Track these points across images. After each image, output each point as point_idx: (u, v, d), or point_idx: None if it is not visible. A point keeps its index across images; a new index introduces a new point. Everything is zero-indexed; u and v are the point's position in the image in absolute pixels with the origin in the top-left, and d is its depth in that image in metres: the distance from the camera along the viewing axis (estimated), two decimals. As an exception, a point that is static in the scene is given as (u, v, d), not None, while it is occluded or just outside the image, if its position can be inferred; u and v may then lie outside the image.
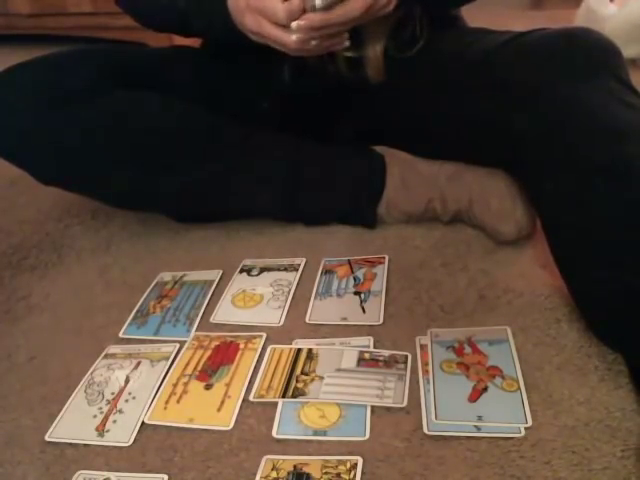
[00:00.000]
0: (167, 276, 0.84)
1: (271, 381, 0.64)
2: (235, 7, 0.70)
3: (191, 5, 0.78)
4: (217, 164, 0.84)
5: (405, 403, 0.59)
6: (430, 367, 0.63)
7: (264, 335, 0.71)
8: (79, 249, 0.92)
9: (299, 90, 0.89)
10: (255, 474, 0.54)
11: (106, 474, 0.56)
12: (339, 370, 0.64)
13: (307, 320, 0.73)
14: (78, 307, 0.80)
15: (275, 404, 0.61)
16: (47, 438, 0.60)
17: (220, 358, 0.68)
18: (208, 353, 0.69)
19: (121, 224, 0.97)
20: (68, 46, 0.86)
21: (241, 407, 0.61)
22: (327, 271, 0.81)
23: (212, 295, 0.79)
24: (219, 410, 0.61)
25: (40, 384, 0.68)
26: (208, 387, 0.64)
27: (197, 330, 0.73)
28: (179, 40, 1.00)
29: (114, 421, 0.61)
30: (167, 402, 0.63)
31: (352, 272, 0.80)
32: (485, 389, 0.60)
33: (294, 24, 0.62)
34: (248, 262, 0.85)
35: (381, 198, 0.86)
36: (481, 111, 0.75)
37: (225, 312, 0.76)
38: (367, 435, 0.57)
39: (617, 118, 0.62)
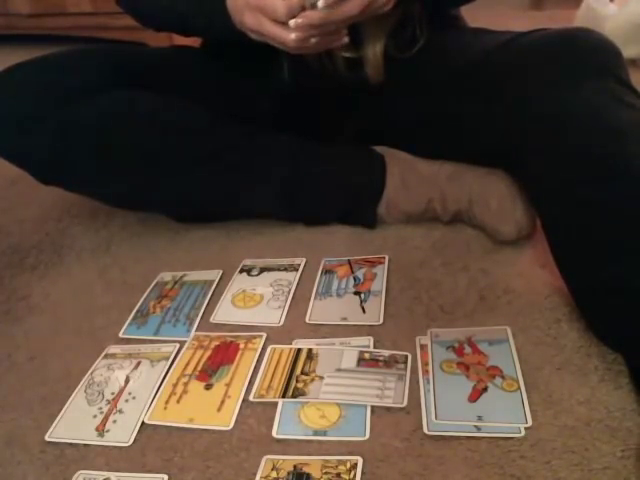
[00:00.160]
0: (167, 276, 0.84)
1: (271, 381, 0.64)
2: (234, 6, 0.70)
3: (191, 5, 0.78)
4: (217, 164, 0.84)
5: (405, 403, 0.59)
6: (430, 367, 0.63)
7: (264, 335, 0.71)
8: (79, 249, 0.92)
9: (299, 90, 0.89)
10: (255, 474, 0.54)
11: (106, 474, 0.56)
12: (339, 370, 0.64)
13: (307, 320, 0.73)
14: (78, 307, 0.80)
15: (275, 404, 0.61)
16: (47, 438, 0.60)
17: (220, 358, 0.68)
18: (208, 353, 0.69)
19: (121, 224, 0.97)
20: (68, 46, 0.86)
21: (241, 407, 0.61)
22: (327, 271, 0.81)
23: (212, 295, 0.79)
24: (219, 410, 0.61)
25: (40, 384, 0.68)
26: (208, 387, 0.64)
27: (197, 330, 0.73)
28: (179, 40, 1.00)
29: (114, 421, 0.61)
30: (167, 402, 0.63)
31: (352, 272, 0.80)
32: (485, 389, 0.60)
33: (293, 22, 0.62)
34: (248, 262, 0.85)
35: (381, 198, 0.86)
36: (481, 111, 0.75)
37: (225, 312, 0.76)
38: (367, 435, 0.57)
39: (617, 118, 0.62)
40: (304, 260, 0.84)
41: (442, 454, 0.55)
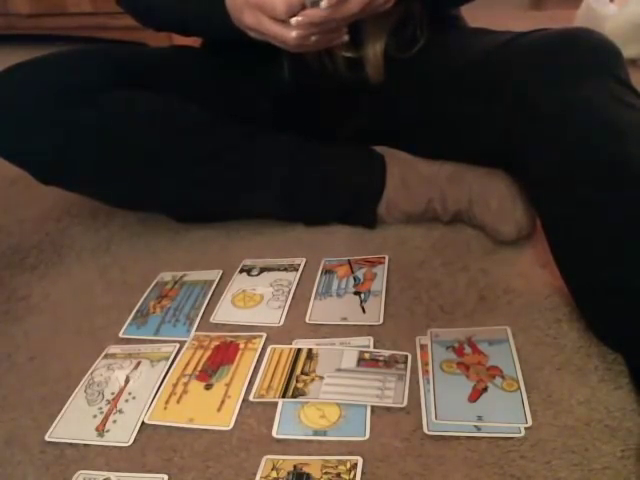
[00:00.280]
0: (167, 276, 0.84)
1: (271, 381, 0.64)
2: (233, 5, 0.70)
3: (190, 4, 0.78)
4: (217, 164, 0.84)
5: (405, 403, 0.59)
6: (430, 367, 0.63)
7: (264, 335, 0.71)
8: (79, 249, 0.92)
9: (299, 90, 0.89)
10: (255, 474, 0.54)
11: (106, 474, 0.56)
12: (339, 370, 0.64)
13: (307, 320, 0.73)
14: (78, 307, 0.80)
15: (275, 404, 0.61)
16: (47, 438, 0.60)
17: (220, 358, 0.68)
18: (208, 353, 0.69)
19: (121, 224, 0.97)
20: (68, 46, 0.86)
21: (241, 407, 0.61)
22: (327, 271, 0.81)
23: (212, 295, 0.79)
24: (219, 410, 0.61)
25: (40, 384, 0.68)
26: (208, 387, 0.64)
27: (197, 330, 0.73)
28: (179, 40, 1.00)
29: (114, 421, 0.61)
30: (167, 402, 0.63)
31: (352, 272, 0.80)
32: (485, 389, 0.60)
33: (294, 20, 0.62)
34: (248, 262, 0.85)
35: (381, 198, 0.86)
36: (481, 111, 0.75)
37: (225, 312, 0.76)
38: (367, 435, 0.57)
39: (617, 118, 0.62)
40: (304, 260, 0.84)
41: (442, 454, 0.55)
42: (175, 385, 0.65)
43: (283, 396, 0.62)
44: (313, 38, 0.65)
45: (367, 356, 0.65)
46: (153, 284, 0.82)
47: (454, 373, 0.62)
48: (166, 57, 0.93)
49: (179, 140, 0.82)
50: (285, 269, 0.82)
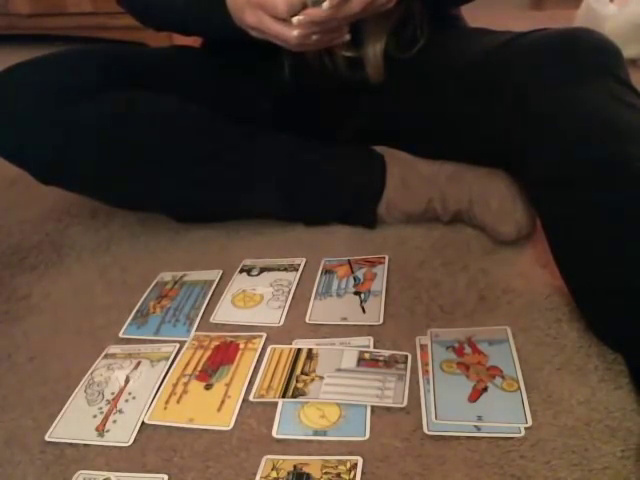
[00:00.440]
0: (167, 276, 0.84)
1: (271, 381, 0.64)
2: (234, 4, 0.70)
3: (191, 3, 0.78)
4: (217, 164, 0.84)
5: (405, 403, 0.59)
6: (430, 367, 0.63)
7: (264, 335, 0.71)
8: (79, 249, 0.92)
9: (299, 90, 0.89)
10: (255, 474, 0.54)
11: (106, 474, 0.56)
12: (339, 370, 0.64)
13: (307, 320, 0.73)
14: (78, 307, 0.80)
15: (275, 404, 0.61)
16: (47, 438, 0.60)
17: (220, 358, 0.68)
18: (208, 353, 0.69)
19: (121, 224, 0.97)
20: (68, 46, 0.86)
21: (241, 407, 0.61)
22: (327, 271, 0.81)
23: (212, 295, 0.79)
24: (219, 410, 0.61)
25: (40, 384, 0.68)
26: (208, 387, 0.64)
27: (197, 330, 0.73)
28: (179, 40, 1.00)
29: (114, 421, 0.61)
30: (167, 402, 0.63)
31: (352, 272, 0.80)
32: (485, 389, 0.60)
33: (295, 19, 0.62)
34: (248, 262, 0.85)
35: (381, 198, 0.86)
36: (481, 111, 0.75)
37: (225, 312, 0.76)
38: (367, 435, 0.57)
39: (617, 118, 0.62)
40: (304, 260, 0.84)
41: (442, 454, 0.55)
42: (175, 385, 0.65)
43: (283, 396, 0.62)
44: (314, 37, 0.65)
45: (367, 356, 0.65)
46: (153, 284, 0.82)
47: (454, 373, 0.62)
48: (166, 57, 0.93)
49: (179, 140, 0.82)
50: (285, 269, 0.82)
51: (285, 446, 0.57)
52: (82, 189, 0.89)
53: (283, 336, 0.71)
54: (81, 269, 0.88)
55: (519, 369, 0.62)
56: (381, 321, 0.71)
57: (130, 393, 0.64)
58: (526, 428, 0.56)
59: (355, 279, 0.79)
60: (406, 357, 0.65)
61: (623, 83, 0.66)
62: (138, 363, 0.68)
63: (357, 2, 0.62)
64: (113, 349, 0.71)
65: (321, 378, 0.63)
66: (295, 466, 0.54)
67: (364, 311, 0.73)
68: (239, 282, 0.81)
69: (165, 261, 0.87)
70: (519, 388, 0.59)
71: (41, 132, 0.77)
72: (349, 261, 0.82)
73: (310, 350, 0.67)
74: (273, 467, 0.54)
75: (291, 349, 0.68)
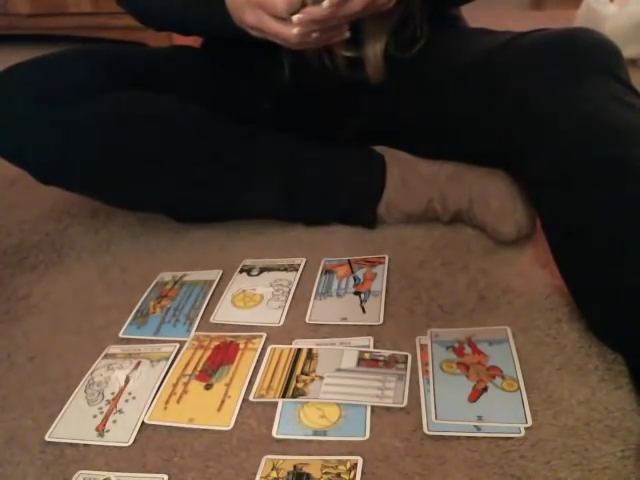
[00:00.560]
0: (167, 276, 0.84)
1: (271, 381, 0.64)
2: (233, 3, 0.70)
3: (190, 3, 0.78)
4: (217, 164, 0.84)
5: (405, 403, 0.59)
6: (430, 367, 0.63)
7: (264, 335, 0.71)
8: (79, 249, 0.92)
9: (299, 90, 0.89)
10: (255, 474, 0.54)
11: (106, 474, 0.56)
12: (339, 370, 0.64)
13: (307, 320, 0.73)
14: (78, 307, 0.80)
15: (275, 404, 0.61)
16: (47, 438, 0.60)
17: (220, 358, 0.68)
18: (208, 353, 0.69)
19: (121, 224, 0.97)
20: (68, 46, 0.86)
21: (241, 407, 0.61)
22: (327, 271, 0.81)
23: (212, 295, 0.79)
24: (219, 410, 0.61)
25: (40, 384, 0.68)
26: (208, 387, 0.64)
27: (197, 330, 0.73)
28: (179, 40, 1.00)
29: (114, 421, 0.61)
30: (167, 402, 0.63)
31: (352, 272, 0.80)
32: (485, 389, 0.60)
33: (295, 18, 0.62)
34: (248, 262, 0.85)
35: (381, 198, 0.86)
36: (481, 111, 0.75)
37: (225, 312, 0.76)
38: (367, 435, 0.57)
39: (617, 118, 0.62)
40: (304, 260, 0.84)
41: (442, 454, 0.55)
42: (175, 385, 0.65)
43: (283, 396, 0.62)
44: (314, 35, 0.65)
45: (367, 356, 0.65)
46: (153, 284, 0.82)
47: (454, 373, 0.62)
48: (166, 57, 0.93)
49: (179, 140, 0.82)
50: (285, 269, 0.82)
51: (285, 446, 0.57)
52: (82, 189, 0.89)
53: (283, 336, 0.71)
54: (81, 269, 0.88)
55: (519, 369, 0.62)
56: (381, 321, 0.71)
57: (130, 393, 0.64)
58: (526, 428, 0.56)
59: (355, 279, 0.79)
60: (406, 357, 0.65)
61: (623, 83, 0.66)
62: (138, 363, 0.68)
63: (357, 1, 0.62)
64: (113, 349, 0.71)
65: (321, 378, 0.63)
66: (295, 466, 0.54)
67: (364, 311, 0.73)
68: (239, 282, 0.81)
69: (165, 261, 0.87)
70: (519, 388, 0.59)
71: (41, 132, 0.77)
72: (349, 261, 0.82)
73: (310, 350, 0.67)
74: (273, 467, 0.54)
75: (291, 349, 0.68)
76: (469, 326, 0.69)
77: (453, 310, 0.72)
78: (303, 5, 0.62)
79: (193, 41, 1.00)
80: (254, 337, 0.71)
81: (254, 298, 0.78)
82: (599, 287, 0.62)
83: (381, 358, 0.65)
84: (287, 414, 0.60)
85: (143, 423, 0.61)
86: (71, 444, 0.60)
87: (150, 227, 0.95)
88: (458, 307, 0.72)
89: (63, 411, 0.63)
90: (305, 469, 0.54)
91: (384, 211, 0.87)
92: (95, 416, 0.62)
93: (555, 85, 0.66)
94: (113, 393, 0.65)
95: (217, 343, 0.70)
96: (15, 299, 0.83)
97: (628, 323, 0.59)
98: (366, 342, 0.68)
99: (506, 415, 0.57)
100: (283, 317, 0.74)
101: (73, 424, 0.62)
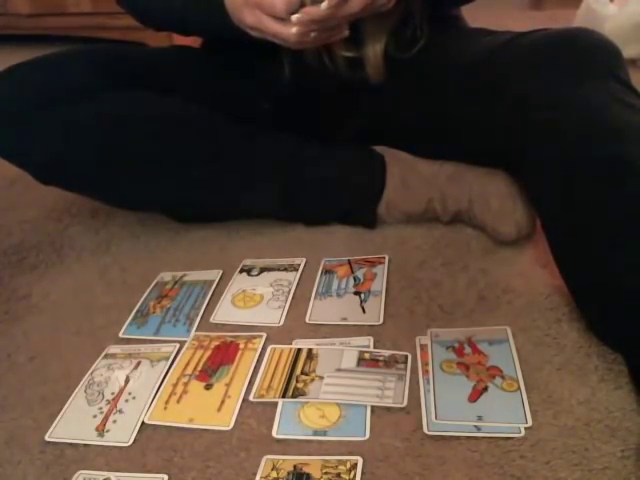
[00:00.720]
0: (167, 276, 0.84)
1: (271, 381, 0.64)
2: (232, 4, 0.70)
3: (189, 4, 0.78)
4: (217, 164, 0.84)
5: (405, 403, 0.59)
6: (430, 367, 0.63)
7: (264, 335, 0.71)
8: (79, 249, 0.92)
9: (299, 90, 0.89)
10: (255, 474, 0.54)
11: (106, 474, 0.56)
12: (339, 370, 0.64)
13: (307, 320, 0.73)
14: (78, 307, 0.80)
15: (275, 404, 0.61)
16: (47, 438, 0.60)
17: (220, 358, 0.68)
18: (208, 353, 0.69)
19: (121, 224, 0.97)
20: (68, 46, 0.86)
21: (241, 407, 0.61)
22: (327, 271, 0.81)
23: (212, 295, 0.79)
24: (219, 410, 0.61)
25: (40, 384, 0.68)
26: (208, 387, 0.64)
27: (197, 330, 0.73)
28: (179, 40, 1.00)
29: (114, 421, 0.61)
30: (167, 402, 0.63)
31: (352, 272, 0.80)
32: (485, 389, 0.60)
33: (294, 17, 0.62)
34: (248, 262, 0.85)
35: (381, 198, 0.86)
36: (481, 111, 0.75)
37: (225, 312, 0.76)
38: (367, 435, 0.57)
39: (617, 118, 0.62)
40: (304, 260, 0.84)
41: (442, 454, 0.55)
42: (175, 385, 0.65)
43: (283, 396, 0.62)
44: (313, 34, 0.65)
45: (367, 356, 0.65)
46: (153, 284, 0.82)
47: (454, 373, 0.62)
48: (166, 57, 0.93)
49: (179, 140, 0.82)
50: (285, 269, 0.82)
51: (285, 446, 0.57)
52: (82, 189, 0.89)
53: (283, 336, 0.71)
54: (81, 269, 0.88)
55: (519, 369, 0.62)
56: (381, 321, 0.71)
57: (130, 393, 0.64)
58: (526, 428, 0.56)
59: (355, 279, 0.79)
60: (406, 357, 0.65)
61: (623, 83, 0.66)
62: (138, 363, 0.68)
63: (356, 2, 0.62)
64: (113, 349, 0.71)
65: (321, 378, 0.63)
66: (295, 466, 0.54)
67: (364, 311, 0.73)
68: (239, 282, 0.81)
69: (165, 261, 0.87)
70: (519, 388, 0.59)
71: (41, 132, 0.77)
72: (349, 261, 0.82)
73: (310, 350, 0.67)
74: (273, 467, 0.54)
75: (291, 349, 0.68)
76: (469, 326, 0.69)
77: (453, 310, 0.72)
78: (302, 5, 0.62)
79: (193, 41, 1.00)
80: (254, 337, 0.71)
81: (254, 298, 0.78)
82: (599, 287, 0.62)
83: (381, 358, 0.65)
84: (287, 414, 0.60)
85: (143, 423, 0.61)
86: (71, 444, 0.60)
87: (150, 227, 0.95)
88: (458, 307, 0.72)
89: (63, 411, 0.63)
90: (305, 469, 0.54)
91: (384, 211, 0.87)
92: (95, 416, 0.62)
93: (555, 85, 0.66)
94: (113, 393, 0.65)
95: (217, 343, 0.70)
96: (15, 299, 0.83)
97: (628, 323, 0.59)
98: (366, 342, 0.68)
99: (506, 415, 0.57)
100: (283, 317, 0.74)
101: (73, 424, 0.62)
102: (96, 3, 1.85)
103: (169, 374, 0.66)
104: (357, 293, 0.76)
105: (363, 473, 0.53)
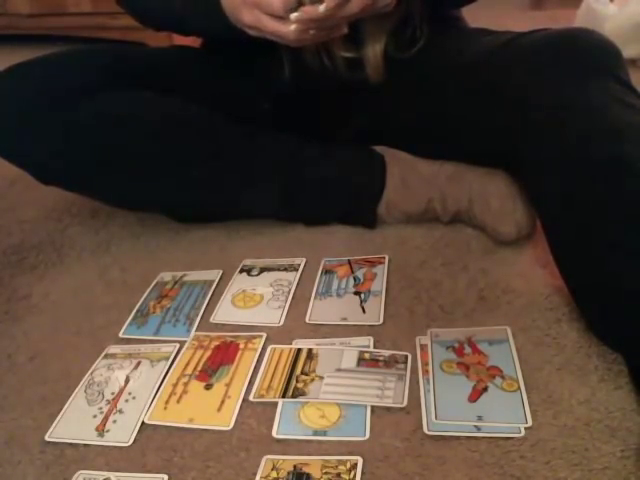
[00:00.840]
0: (167, 276, 0.84)
1: (271, 381, 0.64)
2: (230, 3, 0.70)
3: (188, 4, 0.78)
4: (217, 164, 0.84)
5: (405, 403, 0.59)
6: (430, 367, 0.63)
7: (264, 335, 0.71)
8: (79, 249, 0.92)
9: (299, 90, 0.89)
10: (255, 474, 0.54)
11: (106, 474, 0.56)
12: (339, 370, 0.64)
13: (307, 320, 0.73)
14: (78, 307, 0.80)
15: (275, 404, 0.61)
16: (47, 438, 0.60)
17: (220, 358, 0.68)
18: (208, 353, 0.69)
19: (121, 224, 0.97)
20: (68, 46, 0.86)
21: (241, 407, 0.61)
22: (327, 271, 0.81)
23: (212, 295, 0.79)
24: (219, 410, 0.61)
25: (40, 384, 0.68)
26: (208, 387, 0.64)
27: (197, 330, 0.73)
28: (179, 40, 1.00)
29: (114, 421, 0.61)
30: (167, 402, 0.63)
31: (352, 272, 0.80)
32: (485, 389, 0.60)
33: (293, 16, 0.62)
34: (248, 262, 0.85)
35: (381, 198, 0.86)
36: (481, 111, 0.75)
37: (225, 312, 0.76)
38: (367, 435, 0.57)
39: (617, 118, 0.62)
40: (304, 260, 0.84)
41: (442, 454, 0.55)
42: (175, 385, 0.65)
43: (283, 396, 0.62)
44: (312, 32, 0.65)
45: (367, 356, 0.65)
46: (153, 284, 0.82)
47: (454, 373, 0.62)
48: (166, 57, 0.93)
49: (179, 140, 0.82)
50: (285, 269, 0.82)
51: (285, 446, 0.57)
52: (82, 189, 0.89)
53: (283, 336, 0.71)
54: (81, 269, 0.88)
55: (519, 369, 0.62)
56: (381, 321, 0.71)
57: (130, 393, 0.64)
58: (526, 428, 0.56)
59: (355, 279, 0.79)
60: (406, 357, 0.65)
61: (623, 83, 0.66)
62: (138, 363, 0.68)
63: (356, 3, 0.62)
64: (113, 349, 0.71)
65: (321, 378, 0.63)
66: (295, 466, 0.54)
67: (364, 311, 0.73)
68: (239, 282, 0.81)
69: (165, 261, 0.87)
70: (519, 388, 0.59)
71: (41, 132, 0.77)
72: (349, 261, 0.82)
73: (310, 350, 0.67)
74: (273, 467, 0.54)
75: (291, 349, 0.68)
76: (469, 326, 0.69)
77: (453, 310, 0.72)
78: (300, 3, 0.62)
79: (193, 41, 1.00)
80: (254, 337, 0.71)
81: (254, 298, 0.78)
82: (599, 287, 0.62)
83: (381, 358, 0.65)
84: (287, 414, 0.60)
85: (143, 423, 0.61)
86: (71, 444, 0.60)
87: (150, 227, 0.95)
88: (458, 307, 0.72)
89: (63, 411, 0.63)
90: (305, 469, 0.54)
91: (384, 211, 0.87)
92: (95, 416, 0.62)
93: (555, 85, 0.66)
94: (113, 393, 0.65)
95: (217, 343, 0.70)
96: (15, 299, 0.83)
97: (628, 323, 0.59)
98: (366, 342, 0.68)
99: (506, 415, 0.57)
100: (283, 317, 0.74)
101: (73, 424, 0.62)
102: (96, 3, 1.85)
103: (169, 374, 0.66)
104: (357, 293, 0.76)
105: (363, 473, 0.53)
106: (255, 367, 0.66)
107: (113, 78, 0.80)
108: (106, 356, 0.70)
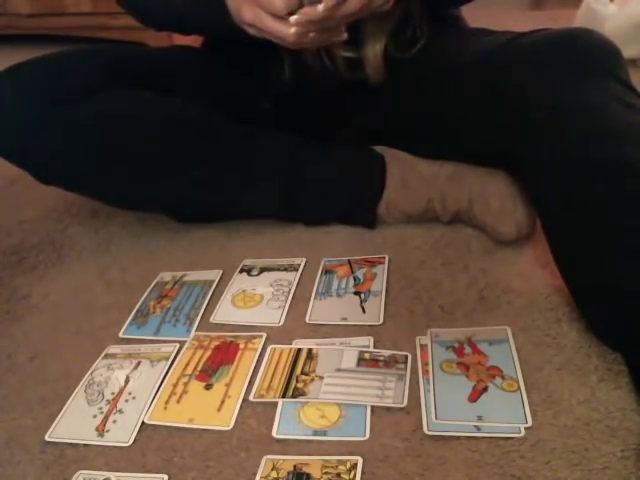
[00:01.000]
0: (167, 276, 0.84)
1: (271, 381, 0.64)
2: (232, 1, 0.70)
3: (189, 2, 0.78)
4: (217, 164, 0.84)
5: (405, 403, 0.59)
6: (430, 367, 0.63)
7: (264, 335, 0.71)
8: (79, 249, 0.92)
9: (299, 90, 0.89)
10: (255, 474, 0.54)
11: (106, 474, 0.56)
12: (339, 370, 0.64)
13: (307, 320, 0.73)
14: (78, 307, 0.80)
15: (275, 404, 0.61)
16: (47, 438, 0.60)
17: (220, 358, 0.68)
18: (208, 353, 0.69)
19: (121, 224, 0.97)
20: (68, 46, 0.86)
21: (241, 407, 0.61)
22: (327, 271, 0.81)
23: (212, 295, 0.79)
24: (219, 410, 0.61)
25: (40, 384, 0.68)
26: (208, 387, 0.64)
27: (197, 330, 0.73)
28: (179, 40, 1.00)
29: (114, 421, 0.61)
30: (167, 402, 0.63)
31: (352, 272, 0.80)
32: (485, 389, 0.60)
33: (292, 18, 0.62)
34: (248, 262, 0.85)
35: (381, 198, 0.86)
36: (481, 111, 0.75)
37: (225, 312, 0.76)
38: (367, 435, 0.57)
39: (617, 118, 0.62)
40: (304, 260, 0.84)
41: (442, 454, 0.55)
42: (175, 385, 0.65)
43: (283, 396, 0.62)
44: (311, 35, 0.65)
45: (367, 356, 0.65)
46: (153, 284, 0.82)
47: (454, 373, 0.62)
48: (166, 57, 0.93)
49: (179, 140, 0.82)
50: (285, 269, 0.82)
51: (285, 446, 0.57)
52: (82, 189, 0.89)
53: (283, 336, 0.71)
54: (81, 269, 0.88)
55: (519, 369, 0.62)
56: (381, 321, 0.71)
57: (130, 393, 0.64)
58: (526, 428, 0.56)
59: (355, 279, 0.79)
60: (406, 357, 0.65)
61: (623, 83, 0.66)
62: (138, 363, 0.68)
63: (353, 3, 0.62)
64: (113, 349, 0.71)
65: (321, 378, 0.63)
66: (295, 466, 0.54)
67: (364, 311, 0.73)
68: (239, 282, 0.81)
69: (165, 261, 0.87)
70: (519, 388, 0.59)
71: (41, 132, 0.77)
72: (349, 261, 0.82)
73: (310, 350, 0.67)
74: (273, 467, 0.54)
75: (291, 349, 0.68)
76: (469, 326, 0.69)
77: (453, 310, 0.72)
78: (301, 5, 0.62)
79: (193, 41, 1.00)
80: (254, 337, 0.71)
81: (254, 298, 0.78)
82: (599, 287, 0.62)
83: (381, 358, 0.65)
84: (287, 414, 0.60)
85: (143, 423, 0.61)
86: (71, 444, 0.60)
87: (150, 227, 0.95)
88: (458, 307, 0.72)
89: (63, 411, 0.63)
90: (305, 469, 0.54)
91: (384, 211, 0.87)
92: (95, 416, 0.62)
93: (555, 85, 0.66)
94: (113, 393, 0.65)
95: (217, 343, 0.70)
96: (15, 299, 0.83)
97: (628, 323, 0.59)
98: (366, 342, 0.68)
99: (506, 415, 0.57)
100: (283, 317, 0.74)
101: (73, 424, 0.62)
102: (96, 3, 1.85)
103: (169, 374, 0.66)
104: (357, 293, 0.76)
105: (363, 473, 0.53)
106: (255, 367, 0.66)
107: (113, 78, 0.80)
108: (106, 356, 0.70)
